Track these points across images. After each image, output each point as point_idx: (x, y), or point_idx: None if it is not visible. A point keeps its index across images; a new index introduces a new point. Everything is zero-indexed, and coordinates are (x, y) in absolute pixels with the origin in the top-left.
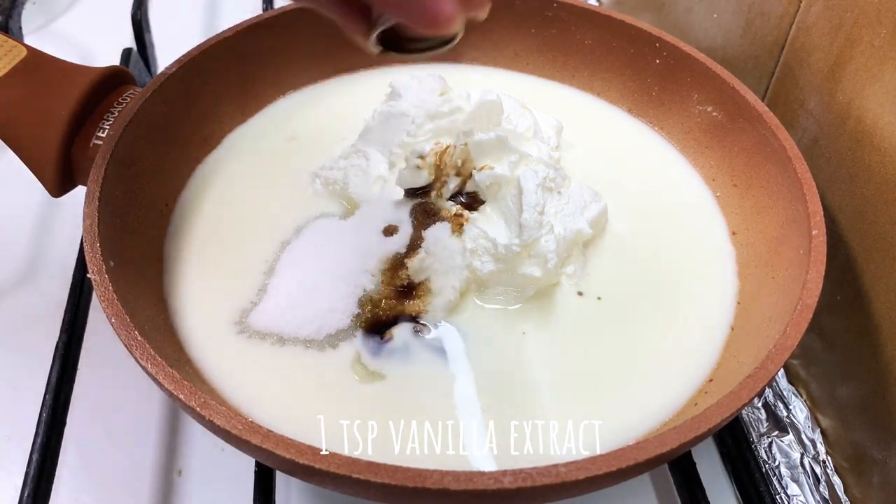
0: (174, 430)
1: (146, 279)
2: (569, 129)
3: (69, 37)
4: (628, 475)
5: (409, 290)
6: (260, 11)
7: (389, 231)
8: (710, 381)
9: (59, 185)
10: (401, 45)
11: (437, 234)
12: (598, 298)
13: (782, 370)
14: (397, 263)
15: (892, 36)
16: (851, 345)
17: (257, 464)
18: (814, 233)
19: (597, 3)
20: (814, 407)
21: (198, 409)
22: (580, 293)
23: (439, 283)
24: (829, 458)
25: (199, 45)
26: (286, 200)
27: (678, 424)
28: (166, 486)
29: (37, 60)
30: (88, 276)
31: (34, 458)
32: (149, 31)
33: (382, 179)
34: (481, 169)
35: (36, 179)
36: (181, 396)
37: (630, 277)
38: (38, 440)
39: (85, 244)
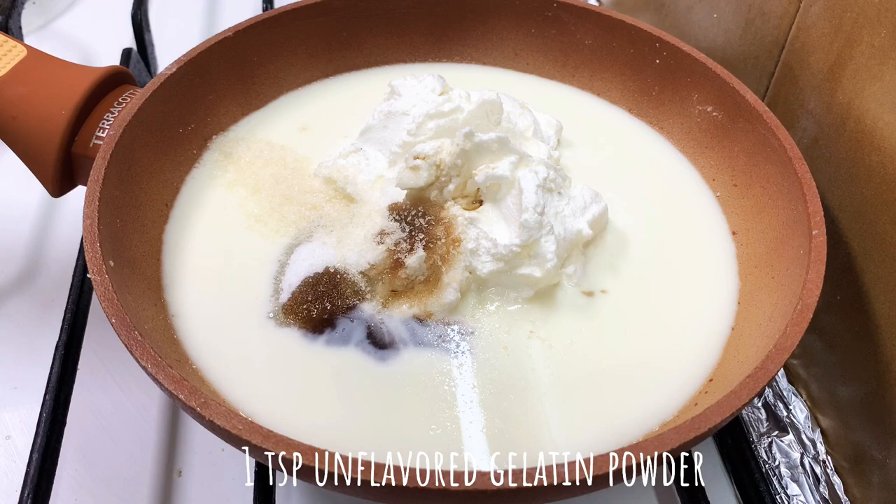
0: (174, 430)
1: (146, 279)
2: (569, 128)
3: (69, 37)
4: (628, 475)
5: (409, 289)
6: (260, 11)
7: (389, 231)
8: (711, 381)
9: (59, 185)
10: None
11: (438, 233)
12: (598, 299)
13: (782, 370)
14: (397, 264)
15: (892, 36)
16: (851, 345)
17: (257, 464)
18: (814, 233)
19: (597, 3)
20: (814, 407)
21: (198, 409)
22: (580, 293)
23: (439, 282)
24: (828, 458)
25: (199, 45)
26: (286, 199)
27: (678, 424)
28: (166, 486)
29: (37, 60)
30: (88, 276)
31: (34, 458)
32: (149, 31)
33: (382, 178)
34: (481, 169)
35: (36, 179)
36: (181, 396)
37: (630, 278)
38: (38, 440)
39: (85, 244)
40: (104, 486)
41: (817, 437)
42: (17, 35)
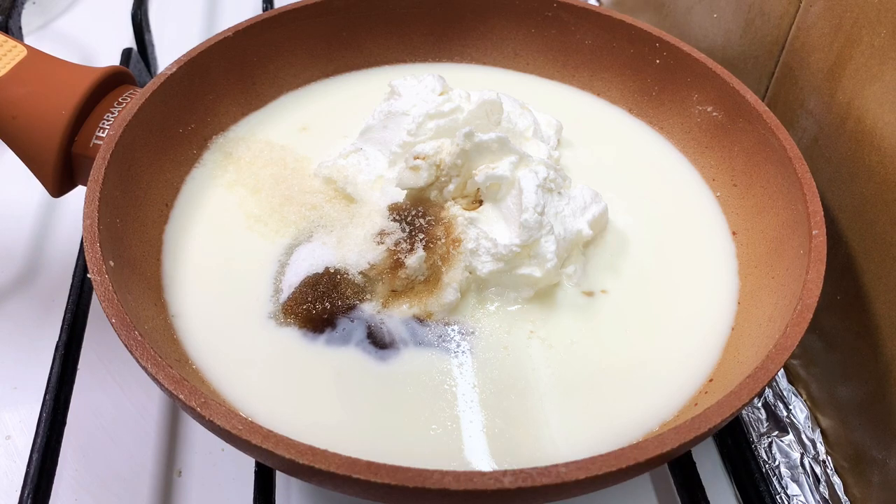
0: (174, 430)
1: (146, 279)
2: (569, 128)
3: (69, 37)
4: (628, 475)
5: (409, 289)
6: (260, 11)
7: (389, 231)
8: (710, 381)
9: (59, 185)
10: None
11: (438, 234)
12: (598, 299)
13: (782, 370)
14: (397, 264)
15: (892, 36)
16: (851, 345)
17: (257, 464)
18: (814, 233)
19: (597, 3)
20: (814, 407)
21: (198, 409)
22: (580, 293)
23: (439, 282)
24: (829, 458)
25: (199, 45)
26: (286, 199)
27: (678, 424)
28: (166, 486)
29: (37, 60)
30: (88, 276)
31: (34, 458)
32: (149, 31)
33: (382, 178)
34: (481, 169)
35: (36, 179)
36: (181, 396)
37: (630, 278)
38: (38, 440)
39: (85, 244)
40: (104, 486)
41: (817, 437)
42: (17, 35)
